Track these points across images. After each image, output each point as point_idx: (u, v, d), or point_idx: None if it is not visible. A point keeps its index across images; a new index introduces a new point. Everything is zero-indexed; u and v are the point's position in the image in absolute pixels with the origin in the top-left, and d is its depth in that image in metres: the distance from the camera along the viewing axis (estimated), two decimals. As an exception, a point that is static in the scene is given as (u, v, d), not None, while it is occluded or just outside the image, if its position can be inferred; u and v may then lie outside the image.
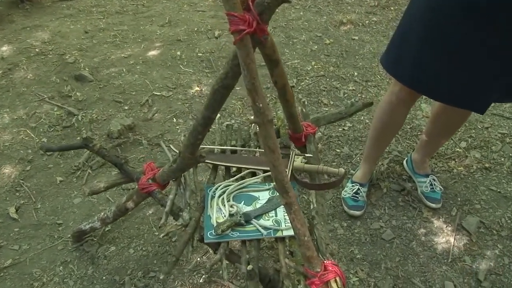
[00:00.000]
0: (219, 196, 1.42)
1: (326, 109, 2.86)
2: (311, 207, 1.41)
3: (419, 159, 2.30)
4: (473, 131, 2.71)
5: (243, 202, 1.41)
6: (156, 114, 2.86)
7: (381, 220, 2.16)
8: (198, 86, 3.10)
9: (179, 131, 2.72)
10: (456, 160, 2.51)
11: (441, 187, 2.25)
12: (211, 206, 1.40)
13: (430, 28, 1.56)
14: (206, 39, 3.62)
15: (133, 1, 4.36)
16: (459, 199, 2.27)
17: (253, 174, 1.53)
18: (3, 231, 2.19)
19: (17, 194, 2.39)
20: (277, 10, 3.53)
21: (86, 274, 1.96)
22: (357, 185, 2.21)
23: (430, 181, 2.24)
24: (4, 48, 3.64)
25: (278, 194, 1.43)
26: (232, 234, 1.31)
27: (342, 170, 1.45)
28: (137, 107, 2.93)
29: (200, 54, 3.46)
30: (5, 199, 2.36)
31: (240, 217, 1.33)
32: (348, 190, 2.22)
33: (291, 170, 1.47)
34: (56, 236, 2.15)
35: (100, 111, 2.93)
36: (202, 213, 1.42)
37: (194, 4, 4.29)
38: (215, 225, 1.32)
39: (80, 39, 3.72)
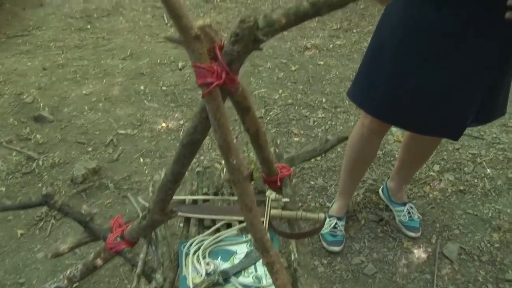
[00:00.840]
0: (194, 253, 1.32)
1: (297, 139, 2.81)
2: (292, 257, 1.33)
3: (395, 187, 2.26)
4: (445, 153, 2.70)
5: (220, 258, 1.31)
6: (121, 155, 2.75)
7: (361, 254, 2.10)
8: (164, 122, 3.00)
9: (146, 171, 2.61)
10: (431, 184, 2.49)
11: (419, 215, 2.22)
12: (186, 265, 1.30)
13: (400, 60, 1.54)
14: (169, 71, 3.53)
15: (92, 34, 4.24)
16: (437, 225, 2.24)
17: (229, 225, 1.44)
18: (-41, 293, 2.02)
19: (-26, 250, 2.22)
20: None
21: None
22: (334, 219, 2.15)
23: (407, 209, 2.20)
24: (-43, 91, 3.46)
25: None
26: (210, 295, 1.21)
27: (322, 215, 1.38)
28: (102, 147, 2.80)
29: (165, 88, 3.37)
30: (-39, 257, 2.19)
31: (218, 275, 1.23)
32: (325, 226, 2.15)
33: (268, 219, 1.39)
34: (17, 297, 2.00)
35: (63, 154, 2.78)
36: (177, 272, 1.32)
37: (155, 35, 4.21)
38: (191, 286, 1.23)
39: (38, 76, 3.58)
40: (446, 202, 2.37)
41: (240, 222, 1.44)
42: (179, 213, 1.40)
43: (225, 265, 1.29)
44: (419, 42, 1.48)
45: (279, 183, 1.54)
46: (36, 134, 2.94)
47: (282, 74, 3.52)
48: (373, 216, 2.28)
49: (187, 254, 1.33)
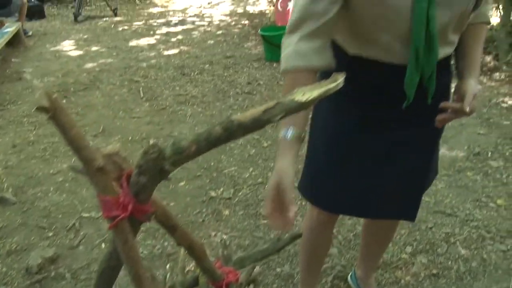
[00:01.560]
0: None
1: (265, 221, 2.73)
2: None
3: (363, 275, 2.16)
4: (417, 233, 2.62)
5: None
6: (83, 240, 2.64)
7: None
8: (130, 204, 2.92)
9: (107, 258, 2.49)
10: (403, 268, 2.38)
11: (388, 305, 2.11)
12: None
13: (332, 149, 1.53)
14: (140, 149, 3.49)
15: (67, 109, 4.23)
16: (409, 316, 2.12)
17: None
18: None
19: None
20: (214, 112, 3.46)
21: None
22: (299, 312, 2.03)
23: (377, 300, 2.10)
24: None
25: None
26: None
27: None
28: (63, 232, 2.70)
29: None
30: None
31: None
32: (290, 319, 2.04)
33: None
34: None
35: (21, 239, 2.67)
36: None
37: (130, 110, 4.21)
38: None
39: (7, 154, 3.52)
40: (419, 288, 2.27)
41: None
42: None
43: None
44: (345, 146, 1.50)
45: (224, 289, 1.44)
46: (-4, 218, 2.84)
47: (253, 150, 3.48)
48: (341, 306, 2.17)
49: None
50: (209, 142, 0.84)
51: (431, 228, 2.67)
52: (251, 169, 3.25)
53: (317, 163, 1.60)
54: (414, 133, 1.45)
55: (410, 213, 1.64)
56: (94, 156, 0.84)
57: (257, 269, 2.29)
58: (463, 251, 2.48)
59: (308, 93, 0.80)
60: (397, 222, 1.93)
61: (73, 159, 3.45)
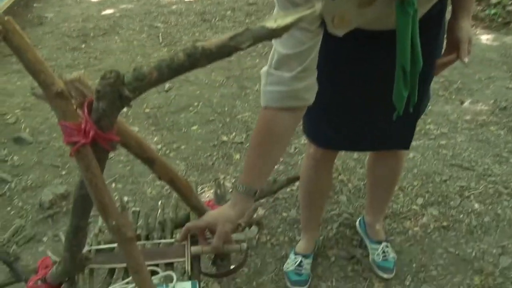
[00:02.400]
0: (106, 305, 1.22)
1: (275, 167, 2.69)
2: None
3: (371, 221, 2.12)
4: (431, 185, 2.55)
5: (135, 311, 1.21)
6: (94, 179, 2.67)
7: (327, 295, 1.96)
8: (142, 146, 2.93)
9: (116, 197, 2.52)
10: (412, 219, 2.33)
11: (394, 254, 2.07)
12: (96, 319, 1.20)
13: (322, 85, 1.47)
14: (155, 93, 3.47)
15: (86, 53, 4.22)
16: (414, 265, 2.09)
17: (154, 273, 1.33)
18: None
19: None
20: (232, 58, 3.35)
21: None
22: (299, 256, 2.02)
23: (382, 248, 2.06)
24: None
25: (175, 300, 1.24)
26: None
27: (244, 245, 1.30)
28: (75, 171, 2.74)
29: (148, 110, 3.31)
30: None
31: (123, 335, 1.13)
32: (290, 263, 2.03)
33: (190, 259, 1.28)
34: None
35: (36, 177, 2.73)
36: (89, 325, 1.22)
37: (148, 55, 4.16)
38: None
39: (25, 96, 3.56)
40: (427, 240, 2.22)
41: (168, 265, 1.34)
42: (93, 265, 1.30)
43: (138, 320, 1.18)
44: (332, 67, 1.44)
45: (215, 228, 1.43)
46: (13, 156, 2.91)
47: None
48: (344, 253, 2.14)
49: (99, 306, 1.23)
50: (172, 69, 0.78)
51: (445, 180, 2.58)
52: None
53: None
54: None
55: (403, 142, 1.66)
56: (53, 80, 0.81)
57: (261, 211, 2.29)
58: (476, 205, 2.40)
59: (280, 20, 0.73)
60: (400, 164, 1.89)
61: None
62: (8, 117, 3.30)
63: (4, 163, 2.86)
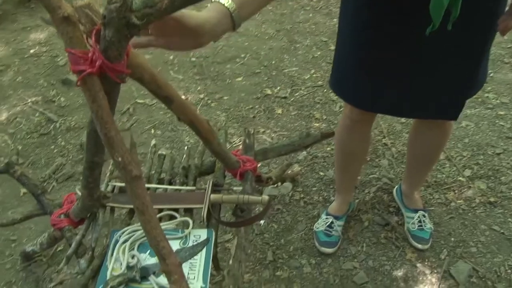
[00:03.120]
0: (123, 243, 1.21)
1: (317, 124, 2.60)
2: (230, 261, 1.18)
3: (407, 190, 2.02)
4: (482, 157, 2.37)
5: (148, 253, 1.20)
6: (134, 124, 2.70)
7: (355, 260, 1.90)
8: (184, 95, 2.91)
9: (153, 143, 2.53)
10: (456, 191, 2.19)
11: (431, 225, 1.96)
12: (111, 254, 1.20)
13: (360, 45, 1.38)
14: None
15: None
16: (452, 239, 1.97)
17: (173, 218, 1.31)
18: (-42, 244, 2.09)
19: (-20, 204, 2.29)
20: (285, 10, 3.26)
21: (27, 298, 1.83)
22: (331, 217, 1.96)
23: (419, 217, 1.95)
24: (0, 49, 3.57)
25: (189, 245, 1.22)
26: (124, 293, 1.11)
27: (266, 197, 1.25)
28: (117, 115, 2.77)
29: (194, 59, 3.26)
30: (-33, 208, 2.27)
31: (135, 272, 1.12)
32: (321, 223, 1.97)
33: (208, 206, 1.25)
34: (6, 253, 2.03)
35: (80, 118, 2.79)
36: (103, 261, 1.22)
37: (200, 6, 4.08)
38: (108, 278, 1.13)
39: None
40: (469, 214, 2.08)
41: (186, 210, 1.31)
42: (110, 204, 1.30)
43: (150, 261, 1.18)
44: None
45: (239, 177, 1.38)
46: (60, 97, 2.97)
47: (319, 53, 3.27)
48: (379, 219, 2.05)
49: (116, 243, 1.23)
50: (184, -3, 0.72)
51: (499, 154, 2.40)
52: (312, 71, 3.07)
53: (346, 60, 1.47)
54: (452, 37, 1.22)
55: (449, 112, 1.47)
56: (59, 4, 0.76)
57: (297, 168, 2.22)
58: (531, 182, 2.22)
59: None
60: (445, 137, 1.74)
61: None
62: (58, 59, 3.36)
63: (52, 103, 2.93)
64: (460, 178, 2.25)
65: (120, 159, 0.84)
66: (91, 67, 0.79)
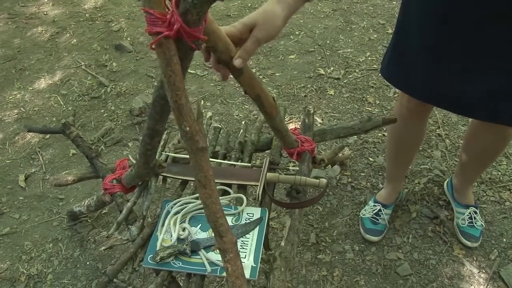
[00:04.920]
0: (174, 214, 1.21)
1: (370, 109, 2.53)
2: (283, 242, 1.16)
3: (459, 185, 1.93)
4: (542, 156, 2.26)
5: (199, 226, 1.19)
6: (184, 94, 2.69)
7: (400, 250, 1.85)
8: (235, 68, 2.88)
9: (204, 113, 2.53)
10: (513, 190, 2.10)
11: (483, 222, 1.88)
12: (162, 225, 1.20)
13: (425, 32, 1.28)
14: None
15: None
16: (504, 240, 1.89)
17: (226, 193, 1.30)
18: (9, 197, 2.16)
19: (31, 162, 2.36)
20: None
21: (72, 256, 1.88)
22: (379, 205, 1.91)
23: (470, 213, 1.88)
24: (57, 11, 3.63)
25: (242, 222, 1.20)
26: (174, 263, 1.11)
27: (323, 180, 1.21)
28: (168, 84, 2.77)
29: (246, 33, 3.22)
30: (19, 165, 2.34)
31: (186, 245, 1.12)
32: (368, 210, 1.92)
33: (264, 184, 1.23)
34: (54, 211, 2.09)
35: (131, 84, 2.81)
36: (154, 230, 1.23)
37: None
38: (157, 248, 1.13)
39: (131, 6, 3.62)
40: (525, 215, 1.99)
41: (239, 187, 1.29)
42: (165, 174, 1.29)
43: (201, 235, 1.17)
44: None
45: (296, 157, 1.35)
46: (112, 62, 3.00)
47: (375, 35, 3.16)
48: (427, 211, 1.99)
49: (167, 214, 1.23)
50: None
51: (561, 154, 2.27)
52: (368, 54, 2.98)
53: (407, 47, 1.37)
54: None
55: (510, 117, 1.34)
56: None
57: (347, 152, 2.17)
58: None
59: None
60: (504, 141, 1.61)
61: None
62: (113, 24, 3.39)
63: (104, 68, 2.97)
64: (518, 177, 2.15)
65: (188, 128, 0.82)
66: (168, 30, 0.76)
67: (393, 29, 1.44)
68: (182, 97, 0.81)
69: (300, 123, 1.53)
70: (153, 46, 0.79)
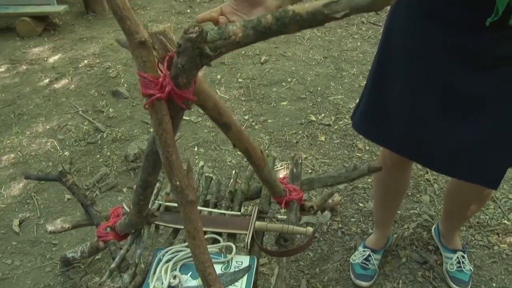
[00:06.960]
0: (166, 262, 1.24)
1: (359, 155, 2.59)
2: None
3: (445, 231, 1.97)
4: (530, 200, 2.30)
5: (190, 274, 1.22)
6: (178, 140, 2.75)
7: (391, 297, 1.86)
8: (228, 114, 2.96)
9: (197, 161, 2.58)
10: (500, 234, 2.13)
11: (471, 267, 1.91)
12: (154, 272, 1.23)
13: (408, 74, 1.30)
14: (251, 64, 3.48)
15: (189, 18, 4.34)
16: (494, 284, 1.91)
17: (216, 241, 1.33)
18: (2, 242, 2.17)
19: (26, 206, 2.38)
20: (333, 38, 3.27)
21: (63, 304, 1.88)
22: (368, 250, 1.93)
23: (458, 257, 1.91)
24: (57, 57, 3.74)
25: (231, 270, 1.23)
26: (164, 312, 1.13)
27: (310, 229, 1.25)
28: (163, 130, 2.84)
29: (241, 80, 3.32)
30: (14, 210, 2.36)
31: (177, 293, 1.15)
32: (358, 255, 1.95)
33: (252, 233, 1.26)
34: (47, 257, 2.10)
35: (126, 130, 2.87)
36: (146, 277, 1.25)
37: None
38: (149, 297, 1.16)
39: (129, 53, 3.73)
40: (514, 260, 2.02)
41: (229, 235, 1.33)
42: (158, 222, 1.33)
43: (191, 283, 1.20)
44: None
45: (283, 206, 1.40)
46: (109, 108, 3.08)
47: (365, 82, 3.27)
48: (417, 256, 2.01)
49: (159, 262, 1.26)
50: (258, 31, 0.74)
51: (549, 198, 2.32)
52: (357, 100, 3.06)
53: (386, 96, 1.38)
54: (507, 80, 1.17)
55: (488, 178, 1.32)
56: (137, 29, 0.80)
57: (337, 197, 2.21)
58: None
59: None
60: (484, 196, 1.65)
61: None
62: (110, 71, 3.49)
63: (100, 113, 3.04)
64: (505, 222, 2.19)
65: (178, 183, 0.87)
66: (160, 92, 0.82)
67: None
68: (172, 153, 0.87)
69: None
70: (146, 106, 0.85)
